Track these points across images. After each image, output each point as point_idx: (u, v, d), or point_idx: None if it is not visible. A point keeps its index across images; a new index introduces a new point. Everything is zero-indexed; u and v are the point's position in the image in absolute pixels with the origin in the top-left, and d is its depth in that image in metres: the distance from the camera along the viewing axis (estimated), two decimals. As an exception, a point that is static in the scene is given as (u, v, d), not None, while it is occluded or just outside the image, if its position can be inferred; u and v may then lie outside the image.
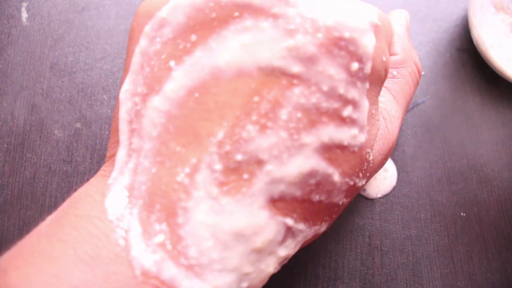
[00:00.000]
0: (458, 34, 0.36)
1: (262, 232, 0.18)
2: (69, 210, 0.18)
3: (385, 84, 0.25)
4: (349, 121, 0.18)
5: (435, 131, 0.33)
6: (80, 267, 0.16)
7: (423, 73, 0.35)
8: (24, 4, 0.34)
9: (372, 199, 0.32)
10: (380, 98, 0.24)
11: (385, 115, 0.24)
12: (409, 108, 0.34)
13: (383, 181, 0.32)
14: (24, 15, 0.34)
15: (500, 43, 0.32)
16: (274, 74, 0.17)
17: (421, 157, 0.33)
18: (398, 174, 0.32)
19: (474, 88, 0.35)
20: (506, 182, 0.32)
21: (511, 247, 0.31)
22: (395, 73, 0.26)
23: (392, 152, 0.32)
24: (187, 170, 0.18)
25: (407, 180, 0.32)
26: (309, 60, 0.17)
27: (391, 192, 0.32)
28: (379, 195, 0.32)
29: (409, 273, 0.30)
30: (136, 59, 0.19)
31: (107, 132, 0.32)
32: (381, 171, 0.32)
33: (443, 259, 0.30)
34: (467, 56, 0.35)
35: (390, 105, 0.25)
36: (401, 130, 0.33)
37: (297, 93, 0.17)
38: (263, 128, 0.17)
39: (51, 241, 0.17)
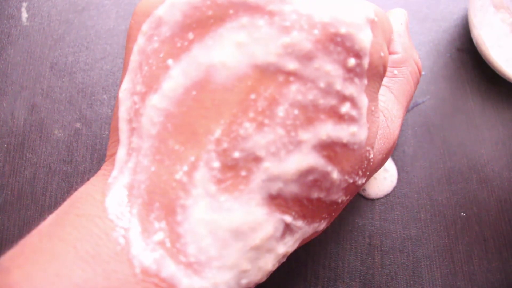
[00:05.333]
0: (458, 34, 0.36)
1: (260, 229, 0.18)
2: (70, 210, 0.19)
3: (386, 83, 0.25)
4: (348, 118, 0.18)
5: (435, 131, 0.33)
6: (81, 265, 0.16)
7: (423, 73, 0.35)
8: (24, 4, 0.34)
9: (372, 199, 0.32)
10: (381, 97, 0.24)
11: (386, 114, 0.24)
12: (409, 108, 0.34)
13: (383, 181, 0.32)
14: (24, 15, 0.34)
15: (500, 43, 0.32)
16: (270, 72, 0.17)
17: (421, 157, 0.33)
18: (398, 174, 0.32)
19: (474, 88, 0.35)
20: (506, 182, 0.32)
21: (511, 247, 0.31)
22: (396, 72, 0.26)
23: (392, 152, 0.32)
24: (185, 168, 0.18)
25: (407, 180, 0.32)
26: (305, 57, 0.17)
27: (391, 192, 0.32)
28: (379, 195, 0.32)
29: (409, 273, 0.30)
30: (134, 58, 0.19)
31: (107, 132, 0.32)
32: (381, 171, 0.32)
33: (443, 259, 0.30)
34: (467, 56, 0.35)
35: (391, 104, 0.25)
36: (401, 130, 0.33)
37: (294, 90, 0.17)
38: (260, 125, 0.17)
39: (52, 240, 0.17)
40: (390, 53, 0.26)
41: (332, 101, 0.18)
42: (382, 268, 0.30)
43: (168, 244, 0.17)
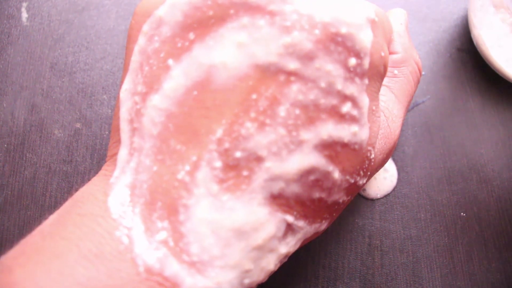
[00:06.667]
0: (458, 34, 0.36)
1: (263, 228, 0.18)
2: (72, 209, 0.19)
3: (386, 83, 0.25)
4: (349, 118, 0.18)
5: (435, 131, 0.33)
6: (84, 264, 0.16)
7: (423, 72, 0.35)
8: (24, 4, 0.34)
9: (372, 199, 0.32)
10: (382, 97, 0.24)
11: (387, 114, 0.24)
12: (409, 108, 0.34)
13: (383, 181, 0.32)
14: (24, 15, 0.34)
15: (500, 43, 0.32)
16: (271, 72, 0.17)
17: (421, 157, 0.33)
18: (398, 174, 0.32)
19: (474, 88, 0.35)
20: (506, 182, 0.32)
21: (511, 247, 0.31)
22: (396, 72, 0.26)
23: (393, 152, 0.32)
24: (187, 167, 0.18)
25: (407, 180, 0.32)
26: (306, 57, 0.17)
27: (391, 192, 0.32)
28: (379, 195, 0.32)
29: (409, 273, 0.30)
30: (135, 58, 0.19)
31: (107, 132, 0.32)
32: (381, 171, 0.32)
33: (443, 259, 0.30)
34: (467, 56, 0.35)
35: (392, 104, 0.25)
36: (401, 130, 0.33)
37: (295, 90, 0.17)
38: (261, 125, 0.17)
39: (54, 239, 0.17)
40: (390, 53, 0.26)
41: (333, 101, 0.18)
42: (382, 268, 0.30)
43: (171, 243, 0.17)
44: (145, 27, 0.19)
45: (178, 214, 0.18)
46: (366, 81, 0.19)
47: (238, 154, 0.17)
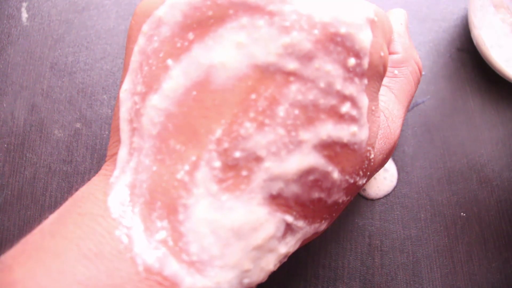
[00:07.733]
0: (458, 34, 0.36)
1: (262, 228, 0.18)
2: (72, 209, 0.19)
3: (386, 83, 0.25)
4: (348, 118, 0.18)
5: (435, 131, 0.33)
6: (84, 263, 0.16)
7: (423, 72, 0.35)
8: (24, 4, 0.34)
9: (372, 199, 0.32)
10: (382, 97, 0.24)
11: (387, 114, 0.24)
12: (409, 108, 0.34)
13: (383, 181, 0.32)
14: (24, 15, 0.34)
15: (500, 43, 0.32)
16: (270, 72, 0.17)
17: (421, 157, 0.33)
18: (398, 174, 0.32)
19: (474, 88, 0.35)
20: (506, 182, 0.32)
21: (511, 247, 0.31)
22: (396, 72, 0.26)
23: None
24: (186, 167, 0.18)
25: (407, 180, 0.32)
26: (305, 57, 0.17)
27: (391, 192, 0.32)
28: (379, 195, 0.32)
29: (409, 273, 0.30)
30: (134, 58, 0.19)
31: (107, 132, 0.32)
32: (381, 171, 0.32)
33: (443, 259, 0.30)
34: (467, 56, 0.35)
35: (392, 105, 0.25)
36: (401, 130, 0.33)
37: (294, 90, 0.17)
38: (260, 125, 0.17)
39: (54, 238, 0.17)
40: (390, 53, 0.26)
41: (332, 101, 0.18)
42: (382, 268, 0.30)
43: (171, 243, 0.17)
44: (145, 27, 0.19)
45: (177, 213, 0.18)
46: (366, 81, 0.19)
47: (237, 154, 0.17)
